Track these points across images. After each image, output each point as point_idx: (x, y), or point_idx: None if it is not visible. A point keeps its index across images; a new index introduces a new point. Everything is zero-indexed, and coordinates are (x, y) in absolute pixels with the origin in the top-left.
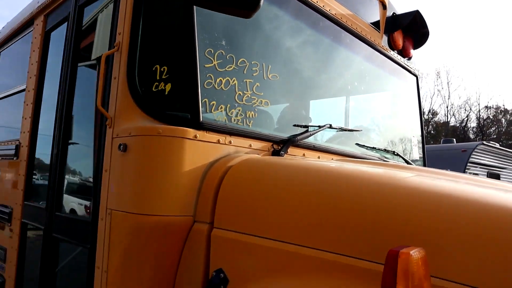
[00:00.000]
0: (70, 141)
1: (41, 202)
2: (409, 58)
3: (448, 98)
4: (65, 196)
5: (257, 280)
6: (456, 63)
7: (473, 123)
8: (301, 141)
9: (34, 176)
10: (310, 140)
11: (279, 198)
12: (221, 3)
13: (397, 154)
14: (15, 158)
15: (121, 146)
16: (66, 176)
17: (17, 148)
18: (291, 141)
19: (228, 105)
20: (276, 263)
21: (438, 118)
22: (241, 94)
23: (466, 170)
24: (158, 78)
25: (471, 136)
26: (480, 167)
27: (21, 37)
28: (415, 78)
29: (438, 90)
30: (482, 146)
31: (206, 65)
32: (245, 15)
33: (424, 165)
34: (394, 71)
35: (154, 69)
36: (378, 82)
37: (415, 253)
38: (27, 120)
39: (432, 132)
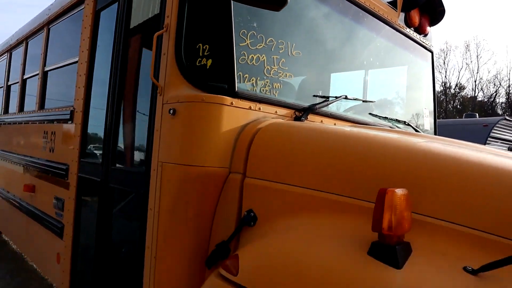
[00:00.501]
0: (122, 107)
1: (95, 159)
2: (425, 35)
3: (477, 72)
4: (119, 152)
5: (279, 217)
6: (487, 36)
7: (502, 99)
8: (320, 109)
9: (88, 137)
10: (329, 108)
11: (299, 152)
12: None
13: (408, 124)
14: (69, 122)
15: (171, 111)
16: (120, 136)
17: (72, 113)
18: (311, 109)
19: (258, 78)
20: (295, 204)
21: (465, 93)
22: (269, 69)
23: (486, 145)
24: (201, 54)
25: (499, 111)
26: (501, 142)
27: (70, 15)
28: (430, 53)
29: (466, 64)
30: (504, 121)
31: (240, 44)
32: (275, 9)
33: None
34: (410, 47)
35: (197, 47)
36: (394, 57)
37: (399, 191)
38: (80, 88)
39: (458, 106)
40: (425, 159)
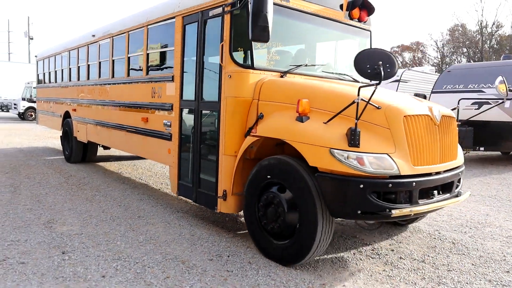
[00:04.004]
0: (202, 75)
1: (189, 99)
2: (365, 22)
3: None
4: (204, 94)
5: (271, 114)
6: None
7: None
8: (291, 72)
9: (183, 88)
10: (298, 70)
11: (279, 89)
12: (257, 40)
13: (347, 75)
14: (171, 81)
15: (229, 76)
16: (203, 86)
17: (173, 77)
18: (288, 72)
19: (263, 61)
20: (276, 108)
21: (503, 31)
22: (268, 56)
23: None
24: (239, 51)
25: None
26: None
27: (164, 23)
28: (369, 32)
29: (505, 0)
30: None
31: (256, 47)
32: (263, 42)
33: None
34: (355, 31)
35: (238, 49)
36: (345, 37)
37: (304, 99)
38: (177, 64)
39: (495, 46)
40: (318, 88)
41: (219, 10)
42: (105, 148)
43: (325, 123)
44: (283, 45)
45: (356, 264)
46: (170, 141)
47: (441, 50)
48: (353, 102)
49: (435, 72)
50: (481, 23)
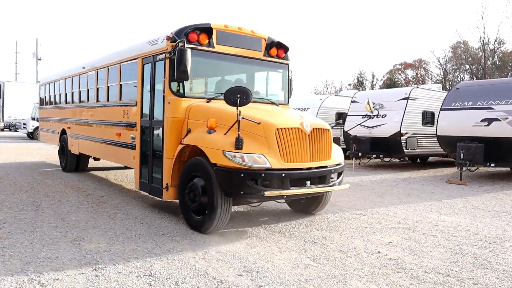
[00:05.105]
0: (154, 102)
1: (146, 119)
2: (283, 58)
3: None
4: (155, 115)
5: (194, 130)
6: None
7: None
8: (216, 98)
9: (142, 112)
10: (221, 97)
11: (201, 111)
12: (179, 80)
13: (265, 99)
14: (135, 106)
15: (169, 102)
16: (154, 109)
17: (136, 103)
18: (212, 98)
19: (194, 91)
20: (199, 125)
21: (506, 48)
22: (198, 88)
23: None
24: (177, 86)
25: None
26: None
27: (130, 61)
28: (287, 65)
29: (506, 17)
30: None
31: (189, 81)
32: (184, 81)
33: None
34: (275, 65)
35: (176, 83)
36: (266, 69)
37: (212, 118)
38: (138, 94)
39: (498, 62)
40: (222, 110)
41: (163, 55)
42: (95, 159)
43: (224, 134)
44: (213, 77)
45: (383, 278)
46: (134, 150)
47: (444, 67)
48: (237, 120)
49: (442, 89)
50: (483, 40)
